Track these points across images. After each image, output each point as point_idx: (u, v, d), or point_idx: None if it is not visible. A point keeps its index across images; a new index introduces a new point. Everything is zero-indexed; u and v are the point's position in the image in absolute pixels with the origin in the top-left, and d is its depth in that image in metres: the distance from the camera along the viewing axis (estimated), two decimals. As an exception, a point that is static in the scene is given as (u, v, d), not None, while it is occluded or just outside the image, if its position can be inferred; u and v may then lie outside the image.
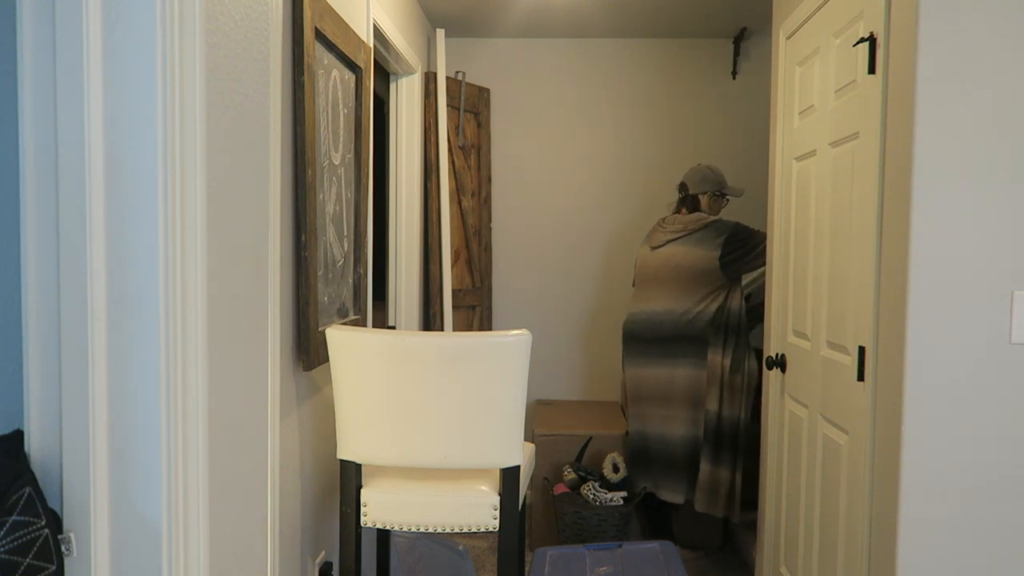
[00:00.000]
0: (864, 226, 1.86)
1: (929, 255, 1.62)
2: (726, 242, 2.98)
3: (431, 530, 1.96)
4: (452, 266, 3.63)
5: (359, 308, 2.40)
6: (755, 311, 3.19)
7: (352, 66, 2.29)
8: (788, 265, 2.50)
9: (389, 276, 3.40)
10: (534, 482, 3.26)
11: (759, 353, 3.01)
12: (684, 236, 3.07)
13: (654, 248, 3.17)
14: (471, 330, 3.81)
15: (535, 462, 2.98)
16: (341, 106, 2.20)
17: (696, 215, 3.13)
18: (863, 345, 1.86)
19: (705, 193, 3.17)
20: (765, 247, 2.96)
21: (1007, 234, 1.61)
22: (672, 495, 3.08)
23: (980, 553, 1.65)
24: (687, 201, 3.20)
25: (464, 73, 3.79)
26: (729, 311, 3.00)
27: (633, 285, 3.32)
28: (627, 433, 3.20)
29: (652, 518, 3.21)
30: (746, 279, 3.30)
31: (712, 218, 3.09)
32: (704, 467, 2.98)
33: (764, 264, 2.95)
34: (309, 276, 1.91)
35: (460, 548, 2.69)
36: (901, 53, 1.68)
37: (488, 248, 4.00)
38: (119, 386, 1.10)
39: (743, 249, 2.98)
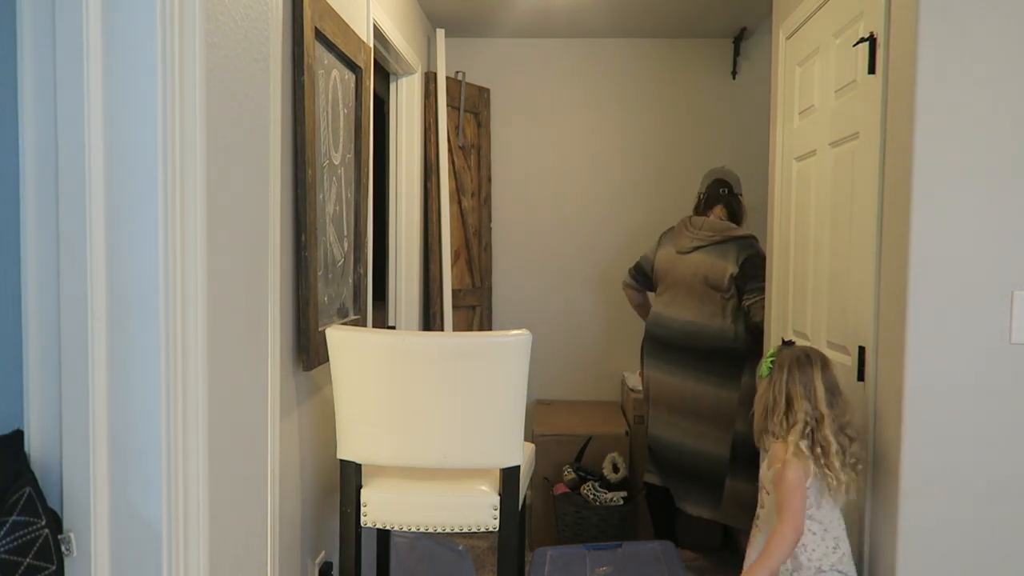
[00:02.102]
0: (864, 226, 1.86)
1: (929, 255, 1.62)
2: (745, 260, 2.93)
3: (431, 530, 1.96)
4: (452, 266, 3.63)
5: (359, 308, 2.40)
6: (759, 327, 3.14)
7: (352, 66, 2.29)
8: (788, 265, 2.50)
9: (389, 276, 3.40)
10: (534, 482, 3.26)
11: None
12: (711, 245, 2.98)
13: (681, 252, 3.04)
14: (471, 330, 3.81)
15: (535, 462, 2.98)
16: (341, 106, 2.20)
17: (726, 224, 3.03)
18: (863, 345, 1.86)
19: (742, 195, 3.14)
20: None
21: (1007, 234, 1.61)
22: (696, 509, 3.03)
23: (980, 553, 1.65)
24: (726, 199, 3.11)
25: (464, 73, 3.78)
26: (748, 329, 2.98)
27: (650, 281, 3.22)
28: (647, 432, 3.15)
29: (658, 514, 3.17)
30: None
31: (742, 233, 3.00)
32: (730, 483, 2.96)
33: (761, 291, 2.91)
34: (309, 276, 1.91)
35: (460, 548, 2.69)
36: (901, 53, 1.68)
37: (488, 248, 4.00)
38: (119, 386, 1.10)
39: (752, 275, 2.91)
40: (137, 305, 1.09)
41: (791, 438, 1.77)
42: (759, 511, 1.95)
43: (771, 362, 1.88)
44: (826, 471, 1.74)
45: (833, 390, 1.81)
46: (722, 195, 3.13)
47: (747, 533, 3.02)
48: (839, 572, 1.77)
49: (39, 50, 1.08)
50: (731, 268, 2.94)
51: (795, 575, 1.79)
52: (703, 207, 3.15)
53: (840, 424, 1.78)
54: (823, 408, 1.77)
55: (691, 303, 3.01)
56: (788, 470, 1.76)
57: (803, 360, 1.82)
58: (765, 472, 1.89)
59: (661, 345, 3.09)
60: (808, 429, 1.77)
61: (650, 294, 3.27)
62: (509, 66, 4.01)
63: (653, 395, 3.12)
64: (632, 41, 3.99)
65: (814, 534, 1.78)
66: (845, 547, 1.80)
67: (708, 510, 3.01)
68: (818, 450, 1.75)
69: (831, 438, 1.75)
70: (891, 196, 1.73)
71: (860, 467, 1.78)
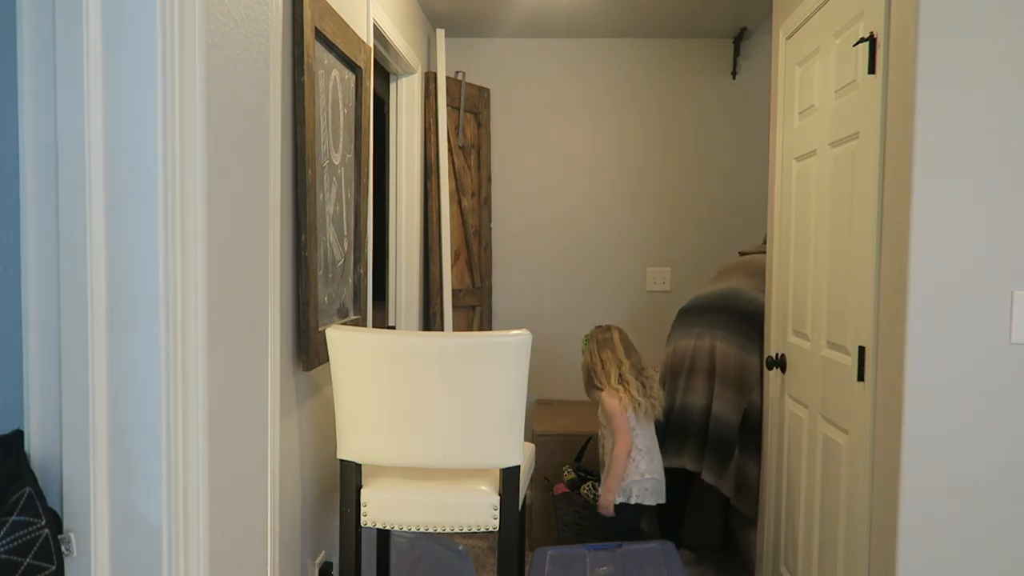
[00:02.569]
0: (864, 226, 1.86)
1: (929, 255, 1.62)
2: None
3: (431, 530, 1.96)
4: (452, 266, 3.63)
5: (359, 308, 2.40)
6: None
7: (352, 66, 2.29)
8: (788, 265, 2.50)
9: (389, 276, 3.40)
10: (534, 482, 3.26)
11: None
12: None
13: (743, 253, 3.26)
14: (471, 330, 3.81)
15: (535, 462, 2.98)
16: (341, 106, 2.20)
17: None
18: (863, 345, 1.86)
19: None
20: None
21: (1007, 234, 1.61)
22: (710, 476, 2.96)
23: (980, 553, 1.65)
24: None
25: (464, 73, 3.79)
26: None
27: None
28: (666, 408, 3.03)
29: (665, 516, 3.13)
30: None
31: None
32: (739, 460, 2.90)
33: None
34: (309, 276, 1.91)
35: (460, 548, 2.69)
36: (901, 53, 1.68)
37: (488, 248, 4.00)
38: (119, 386, 1.10)
39: None
40: (137, 305, 1.09)
41: (611, 383, 2.68)
42: (602, 452, 2.80)
43: (586, 340, 2.83)
44: (633, 400, 2.65)
45: (628, 348, 2.77)
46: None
47: (753, 524, 3.00)
48: (653, 477, 2.70)
49: (39, 50, 1.08)
50: None
51: (631, 483, 2.67)
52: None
53: (638, 368, 2.73)
54: (623, 359, 2.72)
55: (740, 278, 3.07)
56: (609, 403, 2.66)
57: (605, 332, 2.79)
58: (600, 417, 2.77)
59: (690, 313, 3.10)
60: (617, 375, 2.69)
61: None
62: (509, 66, 4.01)
63: (673, 364, 3.07)
64: (632, 41, 3.99)
65: (640, 450, 2.68)
66: (657, 459, 2.74)
67: (715, 476, 2.96)
68: (624, 386, 2.67)
69: (631, 378, 2.69)
70: (891, 196, 1.73)
71: (655, 401, 2.71)
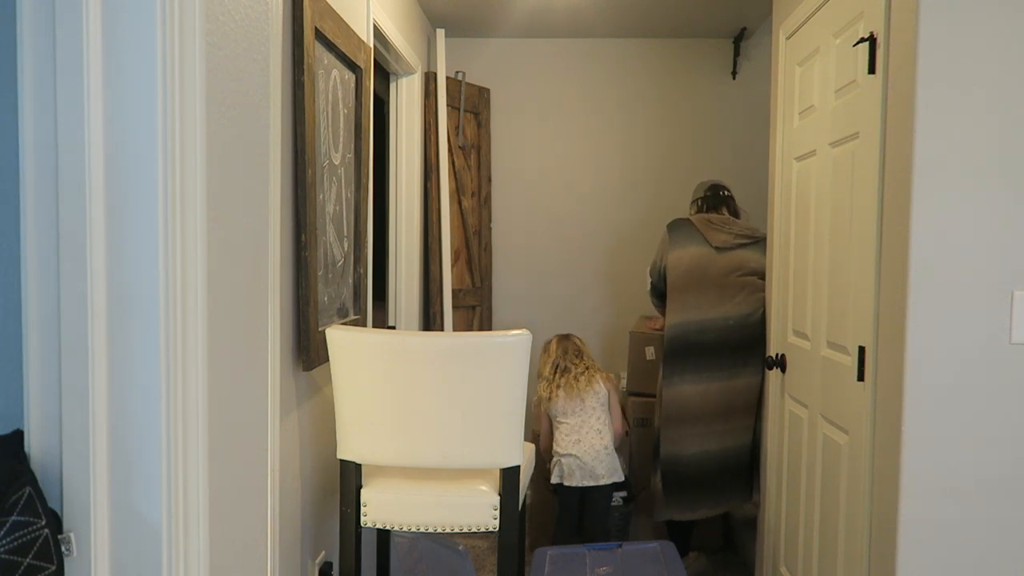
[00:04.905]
0: (864, 226, 1.86)
1: (929, 255, 1.62)
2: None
3: (431, 530, 1.96)
4: (452, 266, 3.63)
5: (359, 308, 2.40)
6: None
7: (352, 66, 2.29)
8: (788, 265, 2.50)
9: (389, 276, 3.40)
10: (534, 482, 3.26)
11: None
12: (752, 244, 2.94)
13: (721, 249, 2.92)
14: (471, 330, 3.81)
15: (535, 462, 2.98)
16: (341, 106, 2.20)
17: (752, 224, 3.05)
18: (863, 345, 1.86)
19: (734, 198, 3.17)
20: None
21: (1007, 234, 1.61)
22: (729, 506, 2.96)
23: (980, 553, 1.65)
24: (729, 202, 3.12)
25: (464, 73, 3.79)
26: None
27: (660, 285, 3.05)
28: (670, 458, 2.95)
29: (675, 531, 3.10)
30: None
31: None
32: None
33: None
34: (309, 276, 1.91)
35: (460, 548, 2.69)
36: (901, 53, 1.68)
37: (488, 248, 4.00)
38: (119, 386, 1.10)
39: None
40: (137, 305, 1.09)
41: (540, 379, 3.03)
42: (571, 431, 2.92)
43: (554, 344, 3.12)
44: (552, 391, 3.00)
45: (565, 350, 3.09)
46: (723, 196, 3.13)
47: (753, 525, 3.00)
48: (570, 454, 2.90)
49: (39, 50, 1.08)
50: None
51: (557, 460, 2.92)
52: (707, 209, 3.10)
53: (563, 364, 3.04)
54: (556, 358, 3.07)
55: (739, 296, 2.89)
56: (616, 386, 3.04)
57: (550, 341, 3.16)
58: (598, 395, 2.95)
59: (697, 351, 2.90)
60: (547, 371, 3.05)
61: (672, 299, 3.01)
62: (509, 66, 4.01)
63: (694, 410, 2.92)
64: (632, 41, 3.99)
65: (563, 429, 2.96)
66: (582, 440, 2.91)
67: (739, 502, 2.96)
68: (548, 381, 3.05)
69: (553, 373, 3.05)
70: (891, 196, 1.73)
71: (569, 385, 2.98)
